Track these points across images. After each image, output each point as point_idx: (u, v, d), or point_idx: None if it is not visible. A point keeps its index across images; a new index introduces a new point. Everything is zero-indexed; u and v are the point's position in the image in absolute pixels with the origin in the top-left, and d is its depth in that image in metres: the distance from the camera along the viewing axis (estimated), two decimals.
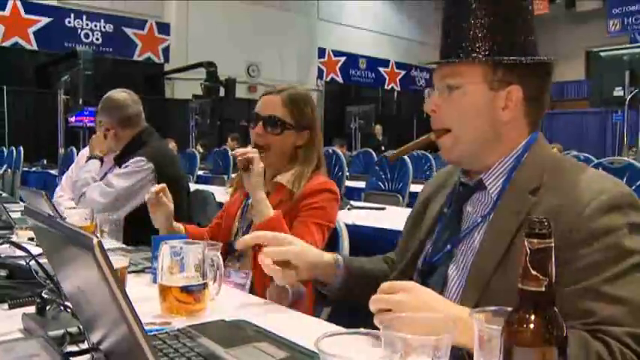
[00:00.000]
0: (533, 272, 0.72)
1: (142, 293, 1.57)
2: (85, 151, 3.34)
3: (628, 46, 6.73)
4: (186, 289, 1.35)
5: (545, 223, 0.72)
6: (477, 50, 1.24)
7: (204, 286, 1.39)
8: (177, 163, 3.06)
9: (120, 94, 3.02)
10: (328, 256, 1.45)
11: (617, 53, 5.57)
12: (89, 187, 2.74)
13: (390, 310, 1.04)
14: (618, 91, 5.41)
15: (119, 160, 2.91)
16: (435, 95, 1.32)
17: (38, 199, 1.79)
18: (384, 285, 1.09)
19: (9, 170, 7.67)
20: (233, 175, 2.38)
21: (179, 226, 2.14)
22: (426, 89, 1.39)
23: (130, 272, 1.74)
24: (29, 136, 11.11)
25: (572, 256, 1.07)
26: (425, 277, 1.34)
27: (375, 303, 1.07)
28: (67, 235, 0.76)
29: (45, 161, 9.01)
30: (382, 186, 5.26)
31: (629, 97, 5.32)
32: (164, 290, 1.37)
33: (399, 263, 1.47)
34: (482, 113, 1.27)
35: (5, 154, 8.76)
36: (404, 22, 18.75)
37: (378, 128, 13.62)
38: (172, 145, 11.27)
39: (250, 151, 1.94)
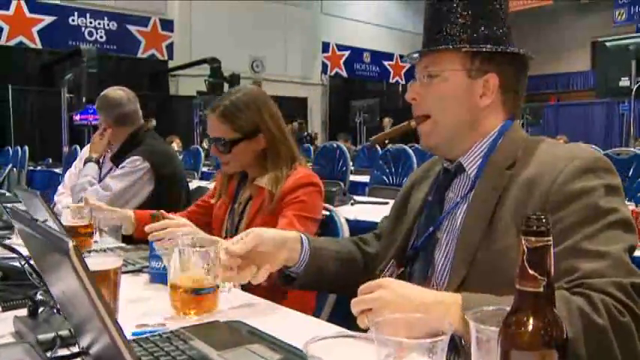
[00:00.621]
0: (531, 272, 0.69)
1: (138, 293, 1.56)
2: (87, 150, 3.33)
3: (633, 35, 6.64)
4: (198, 292, 1.33)
5: (543, 220, 0.69)
6: (456, 39, 1.30)
7: (216, 287, 1.37)
8: (175, 160, 3.02)
9: (116, 92, 2.99)
10: (292, 233, 1.45)
11: (622, 43, 5.49)
12: (86, 191, 2.70)
13: (371, 310, 1.05)
14: (624, 82, 5.34)
15: (116, 160, 2.88)
16: (416, 84, 1.37)
17: (34, 199, 1.76)
18: (362, 287, 1.10)
19: (14, 169, 7.68)
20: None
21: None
22: (409, 84, 1.43)
23: (127, 272, 1.73)
24: (34, 135, 11.14)
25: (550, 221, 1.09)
26: (411, 264, 1.38)
27: (355, 305, 1.08)
28: (46, 239, 0.73)
29: (50, 160, 9.01)
30: (386, 180, 5.22)
31: (636, 87, 5.25)
32: (175, 290, 1.34)
33: (385, 252, 1.48)
34: (461, 99, 1.32)
35: (11, 153, 8.77)
36: (408, 15, 18.67)
37: (387, 121, 13.57)
38: (177, 141, 11.30)
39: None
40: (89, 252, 1.87)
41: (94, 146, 2.95)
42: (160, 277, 1.60)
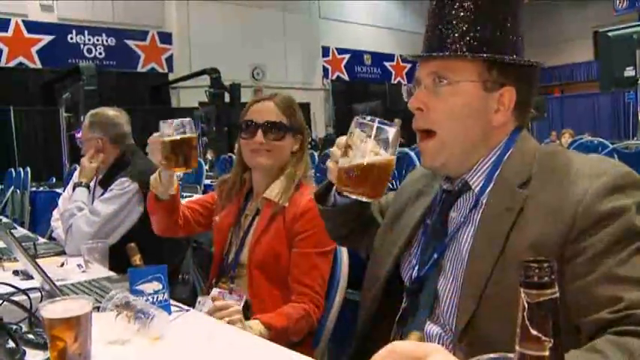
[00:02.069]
0: (534, 332, 0.56)
1: (118, 334, 1.43)
2: (77, 175, 3.23)
3: (636, 24, 6.50)
4: None
5: (547, 268, 0.56)
6: (473, 47, 1.15)
7: None
8: None
9: (111, 111, 2.90)
10: None
11: (625, 32, 5.37)
12: (75, 217, 2.60)
13: None
14: (629, 71, 5.21)
15: (104, 184, 2.78)
16: (422, 92, 1.21)
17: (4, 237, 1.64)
18: (400, 349, 0.79)
19: (17, 191, 7.60)
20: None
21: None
22: (404, 86, 1.31)
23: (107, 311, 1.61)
24: (38, 155, 11.11)
25: (580, 248, 1.02)
26: (414, 295, 1.26)
27: None
28: None
29: (54, 179, 8.96)
30: (390, 185, 5.09)
31: None
32: None
33: (373, 270, 1.38)
34: (474, 115, 1.18)
35: (14, 175, 8.71)
36: (406, 15, 18.60)
37: (398, 122, 13.45)
38: None
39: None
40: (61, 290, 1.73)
41: (84, 171, 2.84)
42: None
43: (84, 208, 2.64)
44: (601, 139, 5.67)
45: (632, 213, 1.02)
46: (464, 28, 1.16)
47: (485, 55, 1.14)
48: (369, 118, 1.17)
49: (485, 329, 1.06)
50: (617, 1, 13.97)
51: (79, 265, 2.21)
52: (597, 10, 17.26)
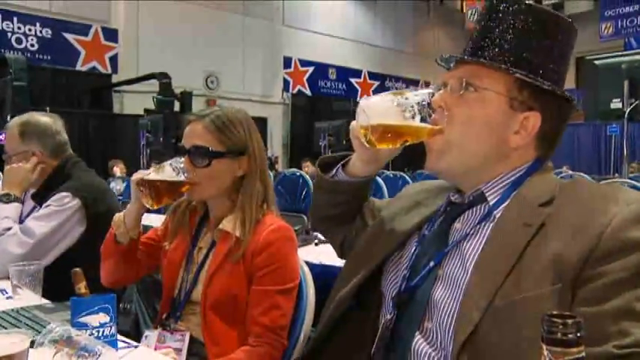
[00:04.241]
0: None
1: None
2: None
3: (626, 53, 6.70)
4: None
5: (572, 325, 0.57)
6: (510, 61, 1.24)
7: None
8: (109, 196, 2.82)
9: (44, 117, 2.79)
10: None
11: (614, 61, 5.52)
12: (2, 237, 2.49)
13: None
14: (616, 103, 5.36)
15: (38, 198, 2.68)
16: (447, 93, 1.29)
17: None
18: None
19: None
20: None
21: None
22: (432, 85, 1.36)
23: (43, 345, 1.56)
24: None
25: (595, 273, 1.05)
26: (404, 306, 1.29)
27: None
28: None
29: None
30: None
31: (629, 109, 5.27)
32: None
33: (347, 275, 1.44)
34: (492, 128, 1.25)
35: None
36: (377, 28, 18.86)
37: None
38: (120, 167, 11.07)
39: None
40: None
41: (19, 182, 2.72)
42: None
43: (13, 227, 2.53)
44: (582, 174, 5.82)
45: None
46: (507, 45, 1.25)
47: (520, 72, 1.22)
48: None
49: (487, 343, 1.08)
50: (603, 27, 14.45)
51: (2, 291, 2.14)
52: (581, 35, 17.69)
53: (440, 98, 1.28)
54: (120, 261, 2.05)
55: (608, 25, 14.38)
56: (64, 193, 2.57)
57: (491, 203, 1.26)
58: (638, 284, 1.03)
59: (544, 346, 0.58)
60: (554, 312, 0.59)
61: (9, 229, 2.50)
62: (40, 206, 2.61)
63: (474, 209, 1.29)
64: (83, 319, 1.50)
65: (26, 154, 2.71)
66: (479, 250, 1.20)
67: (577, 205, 1.15)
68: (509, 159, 1.28)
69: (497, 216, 1.23)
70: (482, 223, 1.24)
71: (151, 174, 1.90)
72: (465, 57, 1.28)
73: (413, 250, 1.36)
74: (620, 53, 6.44)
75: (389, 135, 1.25)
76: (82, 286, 1.62)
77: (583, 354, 0.57)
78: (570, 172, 8.12)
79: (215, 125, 1.92)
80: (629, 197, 1.13)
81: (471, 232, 1.25)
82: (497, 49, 1.25)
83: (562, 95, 1.25)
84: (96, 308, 1.51)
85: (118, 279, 2.14)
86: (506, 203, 1.23)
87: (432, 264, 1.27)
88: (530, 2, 1.27)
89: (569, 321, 0.57)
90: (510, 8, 1.27)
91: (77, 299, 1.55)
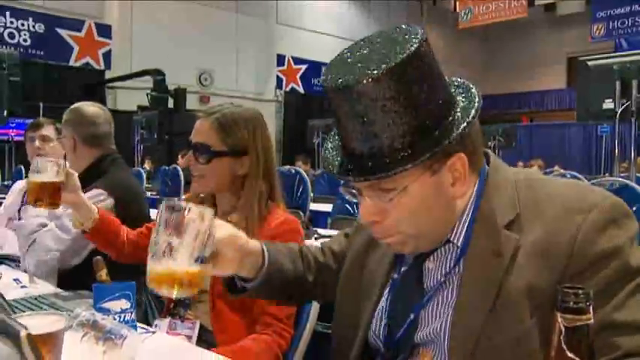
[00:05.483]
0: (570, 355, 0.66)
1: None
2: (22, 185, 3.17)
3: (618, 54, 6.79)
4: None
5: (582, 295, 0.65)
6: (414, 153, 1.10)
7: None
8: (141, 199, 2.86)
9: (90, 107, 2.84)
10: (255, 245, 1.37)
11: (606, 62, 5.59)
12: (39, 233, 2.50)
13: None
14: (608, 104, 5.44)
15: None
16: (368, 204, 1.18)
17: None
18: None
19: None
20: (184, 197, 2.27)
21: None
22: (342, 188, 1.27)
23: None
24: None
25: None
26: (390, 352, 1.28)
27: None
28: None
29: None
30: (351, 210, 5.18)
31: (621, 109, 5.35)
32: None
33: (347, 334, 1.38)
34: (434, 203, 1.17)
35: None
36: (371, 26, 18.89)
37: None
38: None
39: None
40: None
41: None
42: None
43: (48, 224, 2.55)
44: (574, 173, 5.90)
45: (626, 251, 1.07)
46: (392, 139, 1.10)
47: (425, 155, 1.09)
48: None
49: None
50: (594, 28, 14.58)
51: (16, 280, 2.20)
52: (573, 36, 17.96)
53: (369, 214, 1.18)
54: (105, 241, 2.17)
55: (599, 26, 14.50)
56: (100, 190, 2.58)
57: (458, 243, 1.20)
58: (612, 294, 1.04)
59: (558, 314, 0.66)
60: (567, 285, 0.67)
61: (44, 225, 2.54)
62: None
63: (445, 247, 1.23)
64: (106, 305, 1.56)
65: (66, 138, 2.80)
66: (455, 289, 1.18)
67: (541, 225, 1.12)
68: (458, 205, 1.20)
69: (469, 248, 1.18)
70: (459, 262, 1.20)
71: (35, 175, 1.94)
72: (370, 178, 1.12)
73: (386, 297, 1.33)
74: (612, 54, 6.54)
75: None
76: (103, 274, 1.69)
77: (591, 320, 0.66)
78: (562, 170, 8.25)
79: (219, 124, 1.99)
80: (588, 202, 1.11)
81: (448, 271, 1.21)
82: (387, 149, 1.10)
83: (466, 127, 1.12)
84: (117, 295, 1.58)
85: (118, 254, 2.22)
86: (473, 235, 1.18)
87: (412, 316, 1.23)
88: (388, 66, 1.07)
89: (580, 292, 0.66)
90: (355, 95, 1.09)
91: (100, 286, 1.62)
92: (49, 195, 1.91)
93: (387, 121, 1.09)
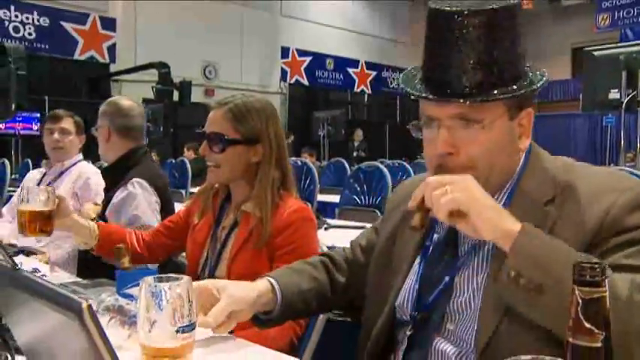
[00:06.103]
0: (587, 325, 0.70)
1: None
2: (35, 174, 3.25)
3: (624, 44, 6.79)
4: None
5: (597, 269, 0.70)
6: (498, 86, 1.22)
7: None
8: (168, 189, 2.97)
9: (126, 101, 3.00)
10: (262, 285, 1.48)
11: (612, 52, 5.60)
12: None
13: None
14: (614, 94, 5.45)
15: (108, 175, 2.83)
16: (445, 133, 1.24)
17: None
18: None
19: None
20: (193, 190, 2.32)
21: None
22: (410, 124, 1.34)
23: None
24: None
25: (597, 253, 1.14)
26: (422, 326, 1.33)
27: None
28: (42, 295, 0.71)
29: None
30: (358, 200, 5.21)
31: (627, 99, 5.37)
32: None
33: (375, 310, 1.45)
34: (507, 146, 1.27)
35: None
36: (375, 18, 18.88)
37: (359, 133, 13.58)
38: None
39: None
40: None
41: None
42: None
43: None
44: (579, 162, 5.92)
45: None
46: (481, 71, 1.21)
47: (511, 94, 1.22)
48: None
49: (508, 345, 1.12)
50: (599, 18, 14.54)
51: (35, 269, 2.26)
52: (578, 26, 17.88)
53: (446, 144, 1.24)
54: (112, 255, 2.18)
55: (605, 16, 14.46)
56: (140, 179, 2.72)
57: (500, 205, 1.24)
58: (627, 248, 1.14)
59: (575, 287, 0.71)
60: (584, 260, 0.72)
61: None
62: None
63: None
64: (129, 291, 1.61)
65: (102, 128, 2.91)
66: (490, 255, 1.24)
67: (576, 202, 1.20)
68: (515, 162, 1.31)
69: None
70: None
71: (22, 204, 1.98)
72: (461, 101, 1.21)
73: (419, 263, 1.39)
74: (618, 44, 6.54)
75: None
76: (125, 261, 1.74)
77: (607, 293, 0.71)
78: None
79: (232, 113, 2.04)
80: (623, 184, 1.21)
81: (481, 240, 1.25)
82: (477, 80, 1.21)
83: (543, 85, 1.28)
84: (140, 280, 1.63)
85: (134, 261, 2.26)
86: (512, 203, 1.26)
87: (447, 279, 1.29)
88: (494, 6, 1.21)
89: (596, 266, 0.71)
90: (467, 22, 1.20)
91: (123, 272, 1.67)
92: (38, 224, 1.96)
93: (496, 52, 1.21)
